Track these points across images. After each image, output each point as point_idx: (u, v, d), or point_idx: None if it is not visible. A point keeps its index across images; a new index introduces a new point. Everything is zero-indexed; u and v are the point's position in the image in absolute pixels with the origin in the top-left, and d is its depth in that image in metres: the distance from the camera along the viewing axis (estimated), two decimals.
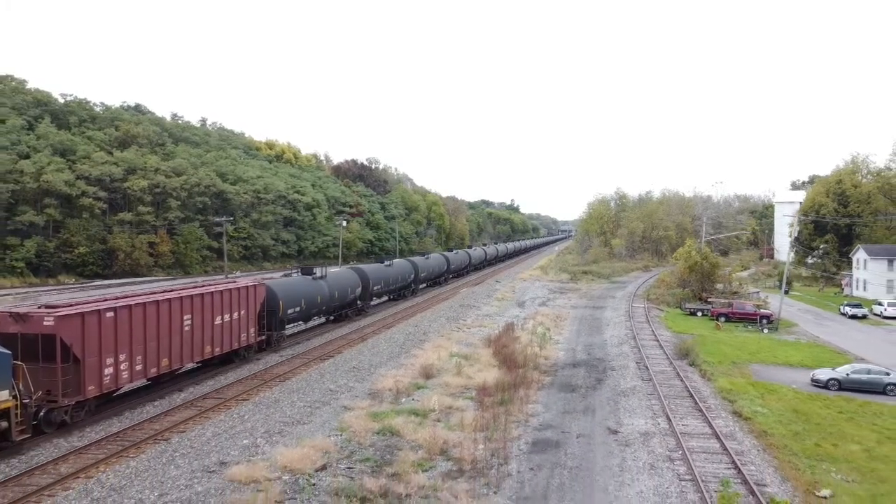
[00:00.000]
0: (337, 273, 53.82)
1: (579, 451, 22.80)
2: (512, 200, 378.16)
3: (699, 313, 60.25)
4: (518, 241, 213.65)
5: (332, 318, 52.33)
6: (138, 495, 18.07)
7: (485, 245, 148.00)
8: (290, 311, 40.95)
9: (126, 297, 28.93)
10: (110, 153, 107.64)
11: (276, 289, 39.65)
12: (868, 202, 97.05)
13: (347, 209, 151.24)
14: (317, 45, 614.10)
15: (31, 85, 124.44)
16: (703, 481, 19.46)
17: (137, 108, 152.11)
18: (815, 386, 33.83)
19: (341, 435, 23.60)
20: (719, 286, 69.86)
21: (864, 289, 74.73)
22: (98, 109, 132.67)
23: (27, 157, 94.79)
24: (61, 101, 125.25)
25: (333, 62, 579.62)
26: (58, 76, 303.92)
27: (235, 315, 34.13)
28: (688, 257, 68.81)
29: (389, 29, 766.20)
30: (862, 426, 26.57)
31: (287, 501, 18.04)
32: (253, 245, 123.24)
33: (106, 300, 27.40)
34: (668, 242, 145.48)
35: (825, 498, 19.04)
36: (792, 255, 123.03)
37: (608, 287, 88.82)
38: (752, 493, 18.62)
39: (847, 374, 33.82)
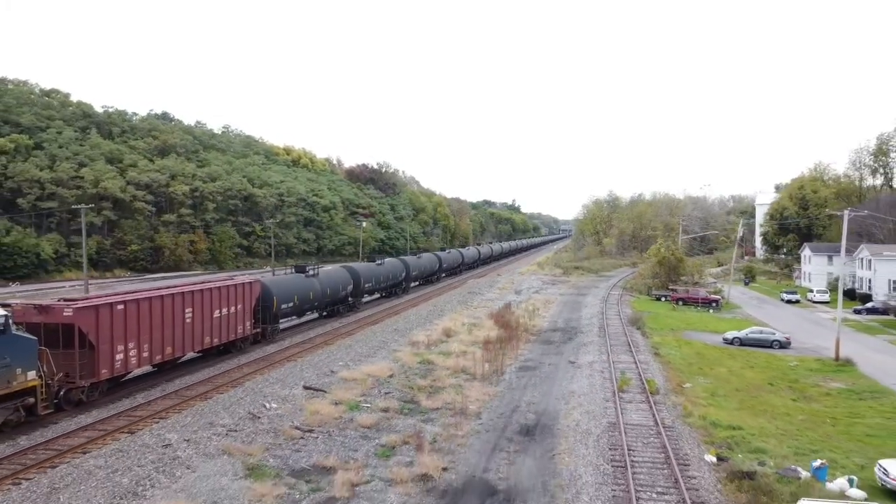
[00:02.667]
0: (329, 271, 55.83)
1: (547, 370, 36.23)
2: (513, 200, 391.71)
3: (663, 298, 73.72)
4: (515, 240, 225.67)
5: (324, 313, 54.26)
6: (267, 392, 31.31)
7: (479, 245, 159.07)
8: (283, 307, 43.16)
9: (137, 292, 31.94)
10: (152, 161, 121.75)
11: (270, 285, 42.26)
12: (824, 206, 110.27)
13: (360, 210, 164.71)
14: (325, 51, 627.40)
15: (74, 97, 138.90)
16: (615, 379, 32.89)
17: (165, 116, 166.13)
18: (725, 342, 47.19)
19: (397, 363, 36.95)
20: (684, 278, 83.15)
21: (810, 280, 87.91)
22: (135, 120, 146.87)
23: (84, 165, 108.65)
24: (99, 111, 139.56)
25: (342, 68, 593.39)
26: (72, 81, 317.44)
27: (233, 309, 36.68)
28: (657, 253, 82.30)
29: (395, 35, 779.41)
30: (737, 361, 40.03)
31: (376, 388, 31.41)
32: (278, 243, 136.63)
33: (118, 294, 30.91)
34: (655, 241, 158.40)
35: (684, 387, 32.43)
36: (762, 252, 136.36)
37: (595, 280, 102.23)
38: (641, 379, 32.12)
39: (746, 334, 47.25)
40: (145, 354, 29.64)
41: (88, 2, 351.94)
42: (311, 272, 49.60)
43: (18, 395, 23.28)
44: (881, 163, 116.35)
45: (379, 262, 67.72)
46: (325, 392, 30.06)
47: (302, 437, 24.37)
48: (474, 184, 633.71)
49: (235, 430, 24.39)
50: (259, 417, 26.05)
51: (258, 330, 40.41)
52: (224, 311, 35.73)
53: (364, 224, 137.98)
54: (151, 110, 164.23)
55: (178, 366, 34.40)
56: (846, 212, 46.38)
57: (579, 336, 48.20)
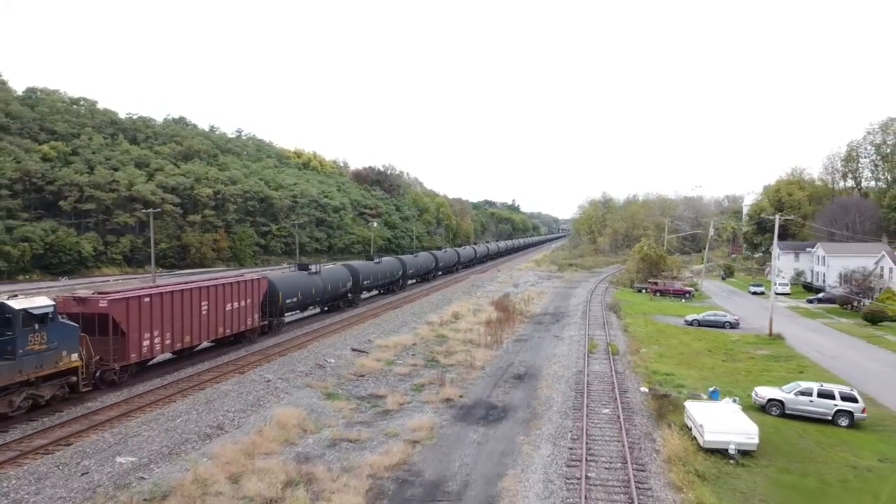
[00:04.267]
0: (330, 269, 58.57)
1: (536, 341, 46.00)
2: (513, 200, 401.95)
3: (643, 291, 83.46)
4: (514, 239, 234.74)
5: (326, 308, 57.52)
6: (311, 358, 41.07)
7: (475, 244, 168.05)
8: (288, 301, 46.13)
9: (161, 286, 36.22)
10: (177, 165, 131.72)
11: (276, 282, 45.11)
12: (799, 208, 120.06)
13: (368, 211, 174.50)
14: (329, 56, 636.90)
15: (100, 105, 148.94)
16: (588, 346, 42.67)
17: (182, 121, 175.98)
18: (686, 324, 56.86)
19: (418, 336, 46.67)
20: (665, 273, 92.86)
21: (780, 275, 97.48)
22: (157, 125, 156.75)
23: (116, 169, 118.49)
24: (124, 117, 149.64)
25: (347, 72, 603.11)
26: (81, 85, 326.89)
27: (243, 303, 39.76)
28: (640, 251, 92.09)
29: (398, 39, 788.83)
30: (689, 336, 49.80)
31: (403, 353, 41.10)
32: (292, 242, 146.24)
33: (144, 289, 34.25)
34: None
35: (640, 351, 42.16)
36: (745, 250, 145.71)
37: (586, 275, 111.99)
38: (607, 346, 41.97)
39: (703, 317, 57.01)
40: (168, 342, 32.88)
41: (98, 7, 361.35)
42: (313, 270, 52.88)
43: (64, 374, 26.69)
44: (850, 168, 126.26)
45: (377, 260, 70.34)
46: (367, 353, 39.81)
47: (357, 379, 34.18)
48: (475, 184, 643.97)
49: (310, 374, 34.15)
50: (324, 367, 35.81)
51: (265, 322, 43.68)
52: (235, 304, 38.87)
53: (374, 224, 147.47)
54: (169, 115, 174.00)
55: (194, 354, 37.86)
56: (777, 216, 56.19)
57: (565, 318, 57.97)
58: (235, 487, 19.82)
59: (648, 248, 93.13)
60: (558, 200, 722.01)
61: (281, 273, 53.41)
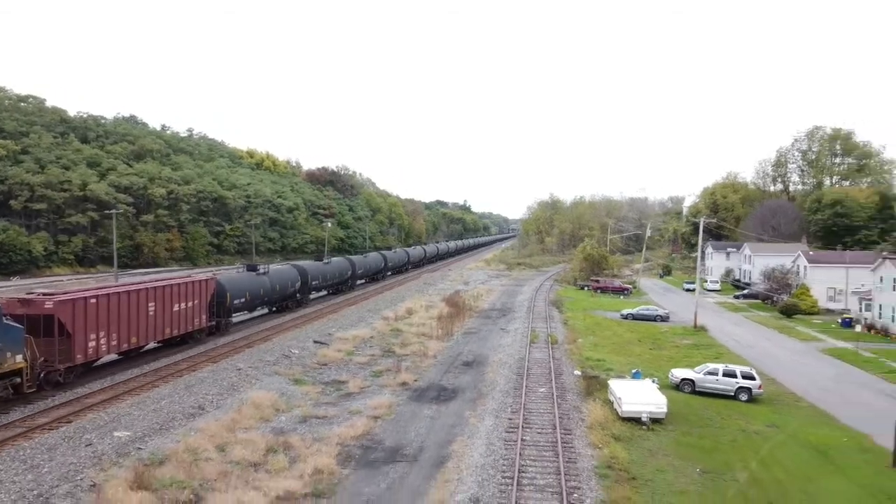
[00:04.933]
0: (279, 269, 58.66)
1: (484, 333, 50.08)
2: (465, 201, 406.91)
3: (585, 288, 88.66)
4: (464, 239, 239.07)
5: (274, 308, 57.39)
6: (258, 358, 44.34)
7: (425, 244, 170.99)
8: (236, 302, 46.25)
9: (109, 286, 36.18)
10: (129, 164, 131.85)
11: (224, 282, 45.18)
12: (732, 210, 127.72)
13: (322, 211, 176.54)
14: (279, 55, 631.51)
15: (49, 103, 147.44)
16: (530, 337, 46.92)
17: (133, 120, 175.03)
18: (621, 317, 61.81)
19: (374, 330, 50.20)
20: (607, 271, 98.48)
21: (712, 273, 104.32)
22: (107, 124, 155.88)
23: (68, 168, 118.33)
24: (73, 115, 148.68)
25: (299, 72, 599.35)
26: (27, 82, 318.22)
27: (190, 303, 39.80)
28: (584, 251, 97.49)
29: (347, 38, 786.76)
30: (623, 328, 54.67)
31: (361, 345, 44.59)
32: (246, 242, 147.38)
33: (91, 289, 33.58)
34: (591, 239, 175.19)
35: (577, 341, 46.64)
36: (683, 250, 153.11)
37: (534, 274, 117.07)
38: (547, 337, 46.31)
39: (637, 311, 62.09)
40: (114, 343, 32.82)
41: (45, 3, 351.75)
42: (261, 270, 52.95)
43: (8, 375, 26.49)
44: (780, 173, 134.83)
45: (326, 261, 70.33)
46: (328, 345, 43.17)
47: (321, 367, 37.59)
48: (428, 185, 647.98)
49: (277, 363, 37.39)
50: (290, 357, 39.08)
51: (213, 323, 43.68)
52: (183, 305, 38.93)
53: (329, 224, 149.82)
54: (119, 113, 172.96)
55: (141, 354, 37.71)
56: (702, 219, 61.73)
57: (511, 313, 62.29)
58: (223, 454, 23.08)
59: (591, 248, 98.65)
60: (509, 201, 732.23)
61: (229, 274, 53.36)
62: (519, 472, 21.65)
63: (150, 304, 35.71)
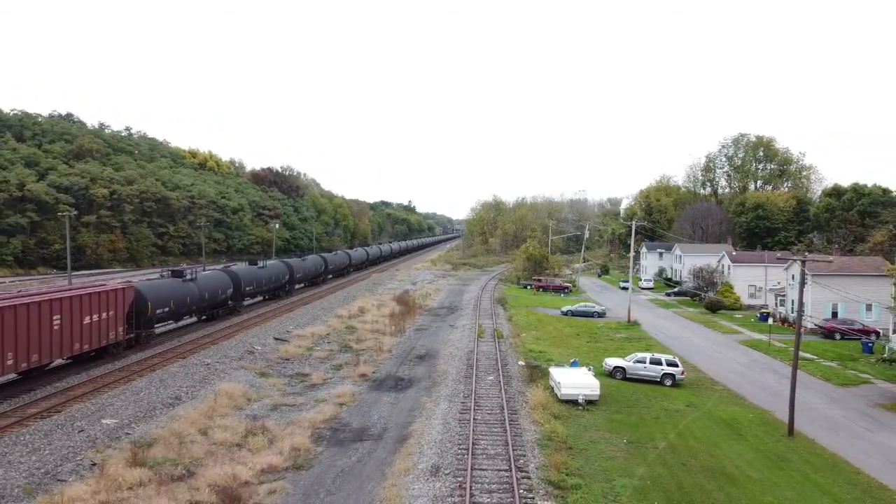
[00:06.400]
0: (208, 275, 54.66)
1: (434, 330, 53.36)
2: (409, 201, 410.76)
3: (528, 286, 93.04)
4: (409, 240, 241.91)
5: (203, 317, 53.65)
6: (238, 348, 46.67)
7: (367, 246, 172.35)
8: (158, 311, 42.64)
9: (8, 297, 32.40)
10: (68, 164, 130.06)
11: (144, 290, 41.68)
12: (665, 212, 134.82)
13: (266, 212, 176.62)
14: (222, 51, 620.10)
15: None
16: (476, 331, 50.43)
17: (69, 118, 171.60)
18: (562, 314, 66.07)
19: (330, 327, 52.81)
20: (548, 271, 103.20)
21: (646, 272, 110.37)
22: (43, 122, 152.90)
23: (4, 168, 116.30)
24: (8, 112, 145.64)
25: (239, 68, 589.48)
26: None
27: (104, 315, 36.40)
28: (526, 251, 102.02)
29: (290, 36, 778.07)
30: (563, 323, 58.84)
31: (319, 341, 47.18)
32: (191, 243, 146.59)
33: None
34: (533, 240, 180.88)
35: (521, 336, 50.42)
36: (620, 250, 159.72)
37: (478, 273, 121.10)
38: (493, 332, 49.94)
39: (576, 308, 66.49)
40: (10, 362, 29.19)
41: None
42: (188, 276, 49.05)
43: None
44: (708, 177, 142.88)
45: (261, 264, 66.34)
46: (288, 342, 45.65)
47: (283, 362, 40.13)
48: (372, 185, 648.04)
49: (242, 359, 39.75)
50: (253, 353, 41.47)
51: (132, 335, 40.43)
52: (94, 317, 35.66)
53: (276, 225, 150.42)
54: (55, 111, 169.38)
55: (47, 373, 34.21)
56: (633, 222, 66.74)
57: (459, 311, 65.79)
58: (206, 437, 25.60)
59: (533, 248, 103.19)
60: (452, 201, 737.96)
61: (151, 280, 49.40)
62: (473, 444, 24.93)
63: (54, 317, 32.22)
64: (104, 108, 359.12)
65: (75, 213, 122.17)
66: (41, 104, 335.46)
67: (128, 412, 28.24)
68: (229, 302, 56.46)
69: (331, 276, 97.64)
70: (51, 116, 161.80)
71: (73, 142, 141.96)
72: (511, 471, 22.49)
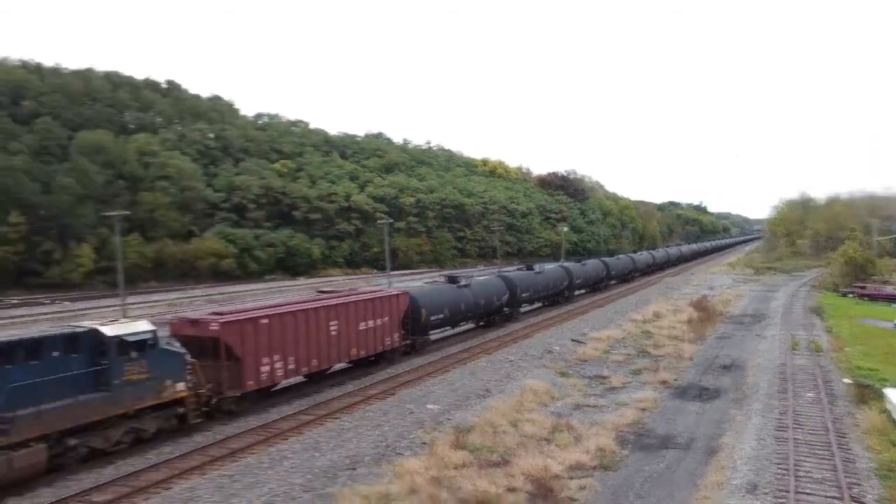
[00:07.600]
0: (483, 281, 54.74)
1: (738, 339, 49.85)
2: (700, 201, 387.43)
3: (849, 295, 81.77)
4: (702, 242, 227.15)
5: (481, 323, 53.93)
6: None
7: (653, 249, 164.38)
8: (433, 318, 43.05)
9: (286, 304, 34.05)
10: (381, 177, 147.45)
11: (418, 297, 41.92)
12: None
13: (553, 215, 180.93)
14: (516, 65, 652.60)
15: (312, 125, 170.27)
16: (790, 344, 45.90)
17: (380, 136, 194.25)
18: (895, 327, 56.98)
19: (625, 331, 52.43)
20: (874, 276, 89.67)
21: None
22: (360, 141, 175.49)
23: (333, 182, 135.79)
24: (334, 135, 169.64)
25: (522, 79, 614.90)
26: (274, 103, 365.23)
27: (379, 321, 36.87)
28: (845, 254, 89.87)
29: (578, 47, 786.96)
30: None
31: (615, 345, 47.16)
32: (486, 246, 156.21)
33: (261, 308, 31.77)
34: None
35: (844, 350, 44.54)
36: None
37: (786, 279, 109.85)
38: (809, 344, 45.07)
39: None
40: (291, 367, 30.18)
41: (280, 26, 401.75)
42: (462, 283, 49.21)
43: (168, 405, 24.60)
44: None
45: (538, 270, 65.02)
46: (584, 343, 46.46)
47: (581, 363, 40.97)
48: (658, 185, 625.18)
49: (542, 357, 41.54)
50: (552, 352, 43.09)
51: (408, 342, 40.75)
52: (370, 323, 36.18)
53: (565, 228, 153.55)
54: (369, 130, 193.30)
55: (328, 376, 35.19)
56: None
57: (765, 319, 60.53)
58: (515, 429, 27.33)
59: (853, 251, 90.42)
60: (749, 200, 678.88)
61: (425, 287, 49.05)
62: (794, 465, 22.97)
63: (331, 324, 32.98)
64: (408, 127, 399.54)
65: (391, 221, 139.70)
66: (358, 125, 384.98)
67: (447, 400, 31.39)
68: (504, 308, 55.59)
69: (613, 281, 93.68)
70: (366, 136, 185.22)
71: (384, 157, 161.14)
72: (843, 500, 20.28)
